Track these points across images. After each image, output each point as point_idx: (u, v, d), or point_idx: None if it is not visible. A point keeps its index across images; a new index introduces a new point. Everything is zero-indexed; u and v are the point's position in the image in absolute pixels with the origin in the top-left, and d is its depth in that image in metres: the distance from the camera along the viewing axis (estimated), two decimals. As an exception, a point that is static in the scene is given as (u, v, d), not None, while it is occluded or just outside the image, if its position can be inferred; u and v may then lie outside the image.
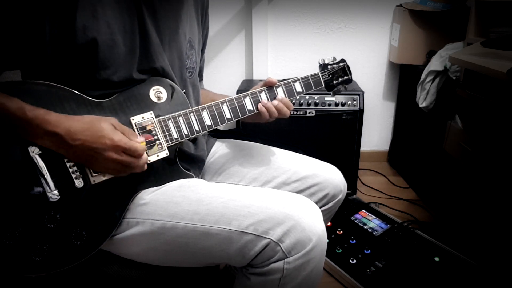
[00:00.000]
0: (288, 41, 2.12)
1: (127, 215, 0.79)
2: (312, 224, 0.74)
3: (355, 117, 1.77)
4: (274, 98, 0.93)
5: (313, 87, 0.99)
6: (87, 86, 0.76)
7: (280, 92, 0.94)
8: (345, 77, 1.04)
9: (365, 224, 1.60)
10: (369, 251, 1.43)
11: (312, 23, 2.09)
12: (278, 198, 0.79)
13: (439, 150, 1.67)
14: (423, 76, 1.69)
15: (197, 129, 0.85)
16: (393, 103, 2.24)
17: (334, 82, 1.02)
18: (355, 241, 1.49)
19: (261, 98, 0.92)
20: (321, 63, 1.01)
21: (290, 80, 0.95)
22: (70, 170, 0.73)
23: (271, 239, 0.72)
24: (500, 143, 1.28)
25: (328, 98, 1.79)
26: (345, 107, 1.77)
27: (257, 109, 0.91)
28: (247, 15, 2.06)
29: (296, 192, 0.95)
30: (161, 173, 0.84)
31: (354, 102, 1.77)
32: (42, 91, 0.72)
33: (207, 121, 0.86)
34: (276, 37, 2.11)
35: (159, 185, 0.83)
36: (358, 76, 2.15)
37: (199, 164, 0.99)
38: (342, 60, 1.03)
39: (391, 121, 2.28)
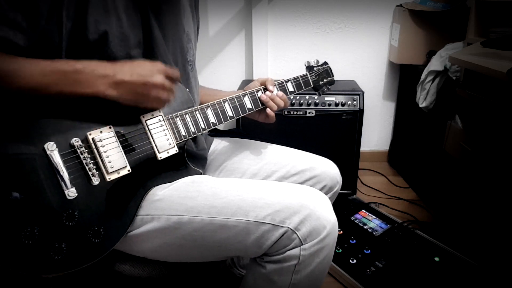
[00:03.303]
0: (288, 41, 2.12)
1: (141, 212, 0.80)
2: (325, 213, 0.78)
3: (355, 117, 1.77)
4: None
5: (303, 87, 1.06)
6: None
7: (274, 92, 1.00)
8: (329, 78, 1.12)
9: (365, 224, 1.60)
10: (369, 251, 1.43)
11: (312, 23, 2.09)
12: (291, 189, 0.82)
13: (439, 150, 1.67)
14: (423, 76, 1.69)
15: (203, 126, 0.88)
16: (393, 103, 2.24)
17: (320, 83, 1.10)
18: (355, 241, 1.49)
19: (260, 94, 0.97)
20: (306, 65, 1.08)
21: (283, 80, 1.01)
22: (87, 167, 0.73)
23: (288, 227, 0.74)
24: (500, 143, 1.28)
25: (328, 98, 1.78)
26: (345, 107, 1.77)
27: (258, 105, 0.97)
28: (247, 15, 2.06)
29: (306, 181, 1.01)
30: (172, 169, 0.85)
31: (354, 102, 1.77)
32: None
33: (212, 118, 0.89)
34: (276, 37, 2.11)
35: (170, 182, 0.85)
36: (358, 76, 2.15)
37: (202, 162, 1.00)
38: (325, 63, 1.12)
39: (391, 121, 2.28)
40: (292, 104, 1.79)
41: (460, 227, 1.53)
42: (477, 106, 1.42)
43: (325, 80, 1.10)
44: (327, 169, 1.03)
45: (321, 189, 1.01)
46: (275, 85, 1.00)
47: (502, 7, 1.48)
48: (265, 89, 0.99)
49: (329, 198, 1.03)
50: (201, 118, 0.87)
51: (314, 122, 1.79)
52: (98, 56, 0.74)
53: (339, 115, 1.78)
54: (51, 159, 0.69)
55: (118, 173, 0.76)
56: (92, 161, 0.73)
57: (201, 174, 0.92)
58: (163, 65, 0.76)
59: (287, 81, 1.02)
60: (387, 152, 2.33)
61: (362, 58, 2.15)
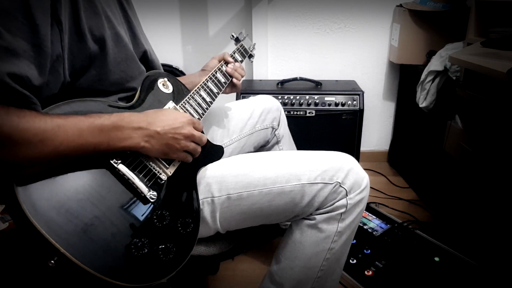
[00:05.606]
0: (288, 41, 2.12)
1: (201, 196, 0.84)
2: (361, 170, 0.90)
3: (355, 117, 1.77)
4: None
5: (245, 55, 1.22)
6: (106, 92, 0.77)
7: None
8: (252, 44, 1.29)
9: (365, 224, 1.60)
10: (369, 251, 1.43)
11: (312, 23, 2.09)
12: (329, 154, 0.92)
13: (439, 150, 1.67)
14: (423, 76, 1.69)
15: (205, 106, 0.95)
16: (393, 103, 2.24)
17: (251, 50, 1.26)
18: (355, 241, 1.49)
19: (225, 68, 1.08)
20: (234, 37, 1.21)
21: (231, 53, 1.14)
22: (151, 167, 0.75)
23: (337, 181, 0.85)
24: (500, 143, 1.28)
25: (328, 98, 1.78)
26: (345, 107, 1.77)
27: (228, 78, 1.07)
28: (247, 15, 2.06)
29: (257, 122, 1.21)
30: (204, 151, 0.89)
31: (354, 102, 1.77)
32: (84, 106, 0.71)
33: (207, 98, 0.97)
34: (276, 37, 2.11)
35: (209, 163, 0.90)
36: (358, 76, 2.15)
37: None
38: (242, 32, 1.25)
39: (391, 121, 2.28)
40: (292, 104, 1.79)
41: (460, 227, 1.53)
42: (477, 106, 1.42)
43: (251, 47, 1.26)
44: (270, 102, 1.25)
45: (275, 116, 1.24)
46: (232, 56, 1.12)
47: (502, 7, 1.47)
48: (226, 63, 1.09)
49: (282, 116, 1.28)
50: (201, 99, 0.93)
51: (314, 122, 1.79)
52: (98, 62, 0.73)
53: (339, 115, 1.78)
54: (122, 172, 0.69)
55: (174, 165, 0.80)
56: (151, 161, 0.76)
57: (223, 148, 0.97)
58: (191, 116, 0.81)
59: (234, 53, 1.15)
60: (387, 152, 2.33)
61: (362, 58, 2.15)
